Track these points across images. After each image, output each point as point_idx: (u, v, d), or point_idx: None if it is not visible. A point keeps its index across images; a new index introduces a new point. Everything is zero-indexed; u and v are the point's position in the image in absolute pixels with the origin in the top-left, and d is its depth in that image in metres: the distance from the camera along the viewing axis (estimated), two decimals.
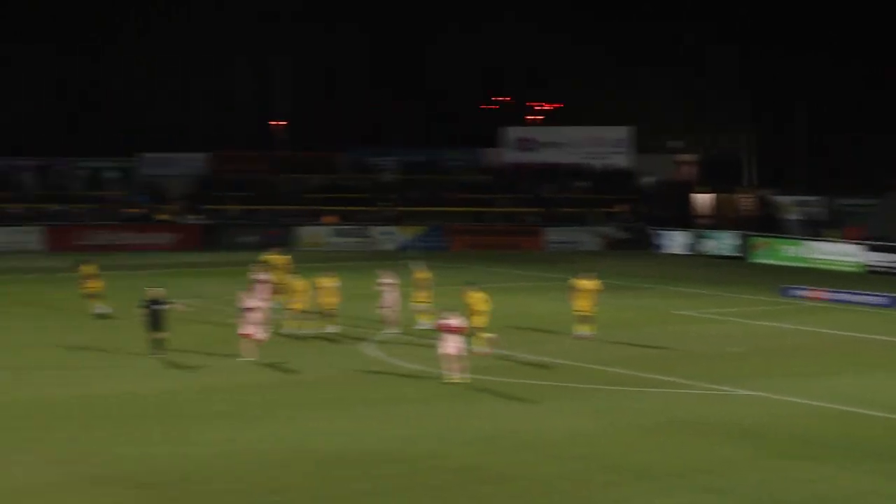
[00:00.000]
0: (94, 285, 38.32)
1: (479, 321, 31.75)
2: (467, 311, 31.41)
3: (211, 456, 21.78)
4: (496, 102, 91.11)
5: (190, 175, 73.76)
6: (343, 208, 69.77)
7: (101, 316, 37.44)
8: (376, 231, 67.57)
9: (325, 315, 35.86)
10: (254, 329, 30.55)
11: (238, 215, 69.06)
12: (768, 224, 64.65)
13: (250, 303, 31.00)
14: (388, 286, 36.26)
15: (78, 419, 24.72)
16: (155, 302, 30.09)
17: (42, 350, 32.80)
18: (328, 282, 36.16)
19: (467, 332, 28.73)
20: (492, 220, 69.46)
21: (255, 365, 30.51)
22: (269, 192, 71.83)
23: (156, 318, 29.88)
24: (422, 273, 37.20)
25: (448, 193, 71.23)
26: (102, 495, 19.36)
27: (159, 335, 30.23)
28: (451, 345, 27.79)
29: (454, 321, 27.95)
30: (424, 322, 35.78)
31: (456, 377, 27.90)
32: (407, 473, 20.84)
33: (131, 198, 70.61)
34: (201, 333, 34.81)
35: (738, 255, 61.44)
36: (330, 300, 35.90)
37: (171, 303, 30.69)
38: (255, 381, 29.00)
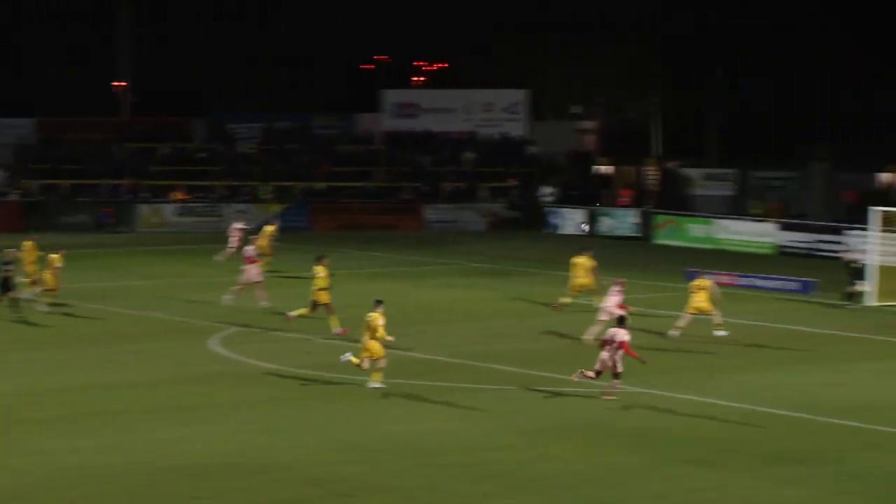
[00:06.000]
0: None
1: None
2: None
3: (29, 468, 21.73)
4: (374, 62, 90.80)
5: (12, 144, 71.76)
6: (194, 183, 68.79)
7: None
8: (230, 209, 65.85)
9: None
10: None
11: (69, 191, 67.56)
12: (674, 201, 65.85)
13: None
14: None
15: None
16: None
17: None
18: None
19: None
20: (365, 196, 69.19)
21: None
22: (108, 164, 70.38)
23: None
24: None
25: (317, 165, 70.93)
26: None
27: None
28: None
29: None
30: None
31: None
32: (251, 487, 21.03)
33: None
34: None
35: (638, 235, 62.63)
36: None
37: None
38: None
